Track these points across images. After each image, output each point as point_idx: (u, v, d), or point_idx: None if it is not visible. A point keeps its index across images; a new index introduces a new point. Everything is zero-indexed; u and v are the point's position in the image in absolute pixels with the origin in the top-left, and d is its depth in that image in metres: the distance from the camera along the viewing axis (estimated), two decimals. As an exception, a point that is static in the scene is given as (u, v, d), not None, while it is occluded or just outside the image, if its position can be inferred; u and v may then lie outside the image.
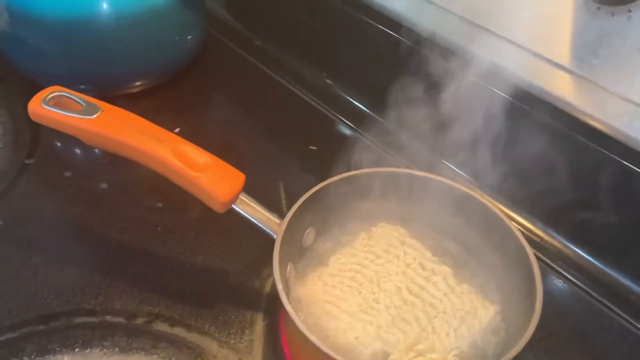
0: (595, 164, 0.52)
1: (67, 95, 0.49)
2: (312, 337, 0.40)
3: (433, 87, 0.55)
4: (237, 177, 0.48)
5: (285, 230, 0.47)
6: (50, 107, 0.48)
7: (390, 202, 0.55)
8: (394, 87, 0.58)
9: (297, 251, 0.51)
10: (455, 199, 0.52)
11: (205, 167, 0.47)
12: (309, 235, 0.52)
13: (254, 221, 0.48)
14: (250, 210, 0.48)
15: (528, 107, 0.56)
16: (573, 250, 0.58)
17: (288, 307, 0.41)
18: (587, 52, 0.50)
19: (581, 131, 0.53)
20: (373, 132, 0.71)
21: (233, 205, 0.48)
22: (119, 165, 0.65)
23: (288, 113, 0.77)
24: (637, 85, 0.47)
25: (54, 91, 0.49)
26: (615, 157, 0.51)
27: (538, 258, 0.56)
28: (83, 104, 0.49)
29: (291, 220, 0.48)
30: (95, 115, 0.48)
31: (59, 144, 0.68)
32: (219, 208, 0.47)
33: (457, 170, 0.66)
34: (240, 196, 0.48)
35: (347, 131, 0.74)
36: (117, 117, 0.48)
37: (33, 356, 0.48)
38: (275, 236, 0.47)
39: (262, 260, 0.56)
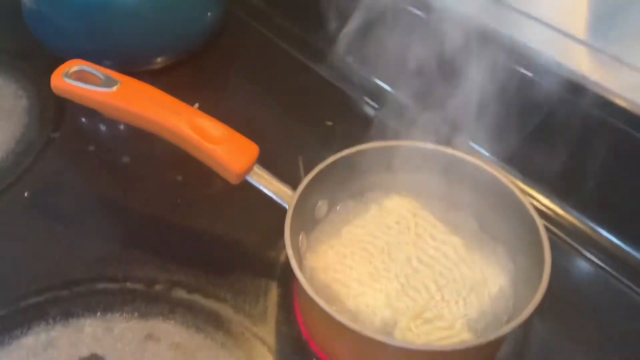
0: (610, 137, 0.52)
1: (88, 69, 0.51)
2: (322, 302, 0.41)
3: (451, 61, 0.54)
4: (251, 149, 0.49)
5: (297, 202, 0.48)
6: (72, 80, 0.50)
7: (402, 175, 0.55)
8: (411, 62, 0.58)
9: (309, 222, 0.52)
10: (467, 171, 0.52)
11: (220, 139, 0.48)
12: (321, 207, 0.53)
13: (267, 192, 0.49)
14: (264, 181, 0.49)
15: (544, 81, 0.56)
16: (587, 225, 0.58)
17: (298, 274, 0.43)
18: (603, 24, 0.49)
19: (597, 104, 0.53)
20: (390, 108, 0.71)
21: (247, 177, 0.49)
22: (140, 140, 0.67)
23: (306, 90, 0.77)
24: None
25: (76, 65, 0.51)
26: (631, 129, 0.51)
27: (550, 231, 0.56)
28: (102, 77, 0.50)
29: (303, 192, 0.49)
30: (114, 88, 0.49)
31: (83, 119, 0.70)
32: (233, 179, 0.48)
33: (474, 145, 0.66)
34: (255, 168, 0.50)
35: (365, 107, 0.74)
36: (136, 90, 0.50)
37: (57, 319, 0.50)
38: (287, 207, 0.48)
39: (277, 231, 0.56)
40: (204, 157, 0.48)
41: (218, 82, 0.78)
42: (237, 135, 0.49)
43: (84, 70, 0.52)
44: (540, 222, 0.47)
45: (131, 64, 0.74)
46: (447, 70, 0.54)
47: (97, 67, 0.51)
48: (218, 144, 0.48)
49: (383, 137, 0.57)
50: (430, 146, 0.54)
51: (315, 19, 0.83)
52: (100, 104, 0.49)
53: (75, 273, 0.53)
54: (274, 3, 0.89)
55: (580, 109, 0.53)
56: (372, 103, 0.74)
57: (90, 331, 0.50)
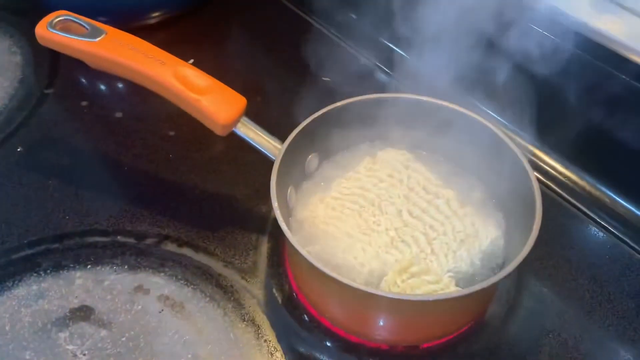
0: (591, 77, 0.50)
1: (73, 19, 0.50)
2: (305, 253, 0.40)
3: (455, 23, 0.52)
4: (239, 101, 0.48)
5: (286, 154, 0.48)
6: (57, 30, 0.49)
7: (397, 128, 0.54)
8: (412, 20, 0.57)
9: (299, 176, 0.52)
10: (462, 124, 0.51)
11: (206, 90, 0.47)
12: (312, 160, 0.52)
13: (255, 145, 0.49)
14: (252, 134, 0.49)
15: (553, 35, 0.54)
16: (586, 180, 0.57)
17: (283, 225, 0.42)
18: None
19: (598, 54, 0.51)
20: (390, 65, 0.70)
21: (234, 129, 0.48)
22: (134, 96, 0.67)
23: (304, 46, 0.75)
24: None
25: (60, 15, 0.50)
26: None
27: (546, 186, 0.55)
28: (88, 27, 0.50)
29: (291, 145, 0.48)
30: (99, 39, 0.48)
31: (77, 75, 0.69)
32: (219, 131, 0.48)
33: (474, 101, 0.64)
34: (242, 120, 0.49)
35: (364, 63, 0.72)
36: (121, 40, 0.49)
37: (48, 271, 0.50)
38: (275, 160, 0.47)
39: (269, 187, 0.56)
40: (189, 108, 0.47)
41: (215, 38, 0.76)
42: (224, 87, 0.48)
43: (71, 20, 0.51)
44: (532, 174, 0.45)
45: (127, 19, 0.73)
46: (452, 29, 0.53)
47: (83, 18, 0.50)
48: (203, 95, 0.47)
49: (379, 91, 0.55)
50: (425, 99, 0.53)
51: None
52: (85, 53, 0.48)
53: (67, 226, 0.53)
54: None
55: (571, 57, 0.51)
56: (372, 59, 0.72)
57: (80, 283, 0.50)
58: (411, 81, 0.63)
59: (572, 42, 0.51)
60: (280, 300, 0.49)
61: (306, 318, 0.48)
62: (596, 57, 0.51)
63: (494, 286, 0.42)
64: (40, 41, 0.50)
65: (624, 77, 0.49)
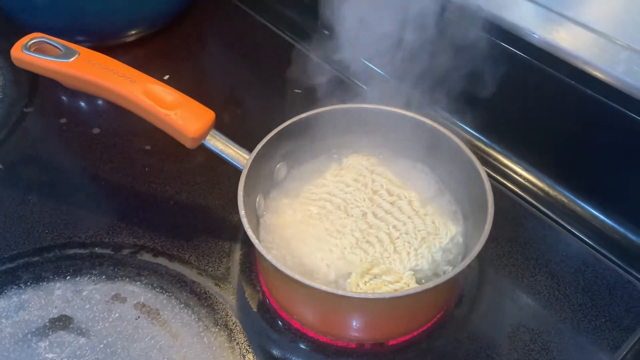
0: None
1: (47, 41, 0.52)
2: (269, 257, 0.43)
3: (420, 32, 0.55)
4: (207, 115, 0.50)
5: (253, 164, 0.50)
6: (32, 52, 0.52)
7: (361, 136, 0.56)
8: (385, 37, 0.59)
9: (268, 184, 0.54)
10: (421, 131, 0.54)
11: (175, 105, 0.50)
12: (281, 169, 0.55)
13: (224, 156, 0.51)
14: (221, 145, 0.51)
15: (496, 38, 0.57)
16: (544, 181, 0.60)
17: (249, 231, 0.44)
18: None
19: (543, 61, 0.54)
20: (361, 78, 0.72)
21: (204, 142, 0.51)
22: (110, 112, 0.69)
23: (277, 59, 0.78)
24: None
25: (35, 37, 0.52)
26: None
27: (504, 186, 0.58)
28: (62, 49, 0.52)
29: (258, 155, 0.50)
30: (72, 59, 0.51)
31: (56, 94, 0.71)
32: (189, 144, 0.50)
33: (437, 108, 0.67)
34: (211, 133, 0.51)
35: (334, 75, 0.75)
36: (93, 60, 0.51)
37: (29, 283, 0.52)
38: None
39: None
40: (160, 123, 0.50)
41: (189, 53, 0.79)
42: (192, 101, 0.51)
43: (45, 42, 0.53)
44: (485, 176, 0.48)
45: (104, 38, 0.75)
46: (419, 40, 0.55)
47: (57, 39, 0.53)
48: (172, 110, 0.49)
49: (347, 101, 0.58)
50: (388, 108, 0.55)
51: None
52: (59, 74, 0.51)
53: (46, 240, 0.55)
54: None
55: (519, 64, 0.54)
56: (341, 70, 0.75)
57: (60, 293, 0.52)
58: (380, 92, 0.67)
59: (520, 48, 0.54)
60: (252, 305, 0.51)
61: (277, 321, 0.50)
62: (549, 65, 0.54)
63: (452, 281, 0.45)
64: (15, 63, 0.52)
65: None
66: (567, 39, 0.51)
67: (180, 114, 0.49)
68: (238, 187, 0.47)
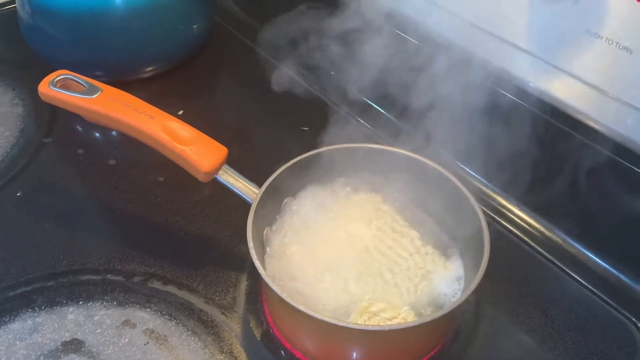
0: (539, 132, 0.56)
1: (73, 78, 0.56)
2: (274, 287, 0.45)
3: (424, 74, 0.58)
4: (220, 150, 0.53)
5: (262, 198, 0.53)
6: (57, 88, 0.55)
7: (369, 174, 0.59)
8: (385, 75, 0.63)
9: (276, 217, 0.56)
10: (425, 173, 0.56)
11: (191, 141, 0.53)
12: (288, 203, 0.57)
13: (234, 190, 0.54)
14: (232, 180, 0.54)
15: (497, 87, 0.60)
16: (540, 223, 0.62)
17: (256, 262, 0.47)
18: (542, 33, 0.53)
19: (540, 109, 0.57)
20: (366, 118, 0.76)
21: (216, 176, 0.54)
22: (126, 144, 0.72)
23: (286, 97, 0.81)
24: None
25: (61, 74, 0.56)
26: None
27: (503, 228, 0.60)
28: (86, 85, 0.55)
29: (267, 189, 0.53)
30: (95, 96, 0.54)
31: (74, 125, 0.74)
32: (202, 178, 0.53)
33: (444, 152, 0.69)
34: (224, 167, 0.54)
35: (341, 114, 0.78)
36: (115, 97, 0.54)
37: (43, 307, 0.55)
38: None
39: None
40: (176, 158, 0.53)
41: (203, 90, 0.82)
42: (207, 138, 0.54)
43: (70, 79, 0.56)
44: (483, 218, 0.50)
45: (121, 74, 0.79)
46: (424, 83, 0.59)
47: (81, 76, 0.56)
48: (188, 145, 0.52)
49: (354, 140, 0.61)
50: (395, 150, 0.58)
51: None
52: (83, 109, 0.54)
53: (61, 265, 0.58)
54: (256, 15, 0.94)
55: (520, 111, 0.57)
56: (348, 111, 0.78)
57: (72, 318, 0.54)
58: (386, 133, 0.70)
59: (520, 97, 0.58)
60: (256, 334, 0.53)
61: (280, 350, 0.52)
62: (550, 115, 0.57)
63: (450, 315, 0.47)
64: (42, 97, 0.56)
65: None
66: (561, 89, 0.54)
67: (195, 150, 0.52)
68: (247, 220, 0.50)
